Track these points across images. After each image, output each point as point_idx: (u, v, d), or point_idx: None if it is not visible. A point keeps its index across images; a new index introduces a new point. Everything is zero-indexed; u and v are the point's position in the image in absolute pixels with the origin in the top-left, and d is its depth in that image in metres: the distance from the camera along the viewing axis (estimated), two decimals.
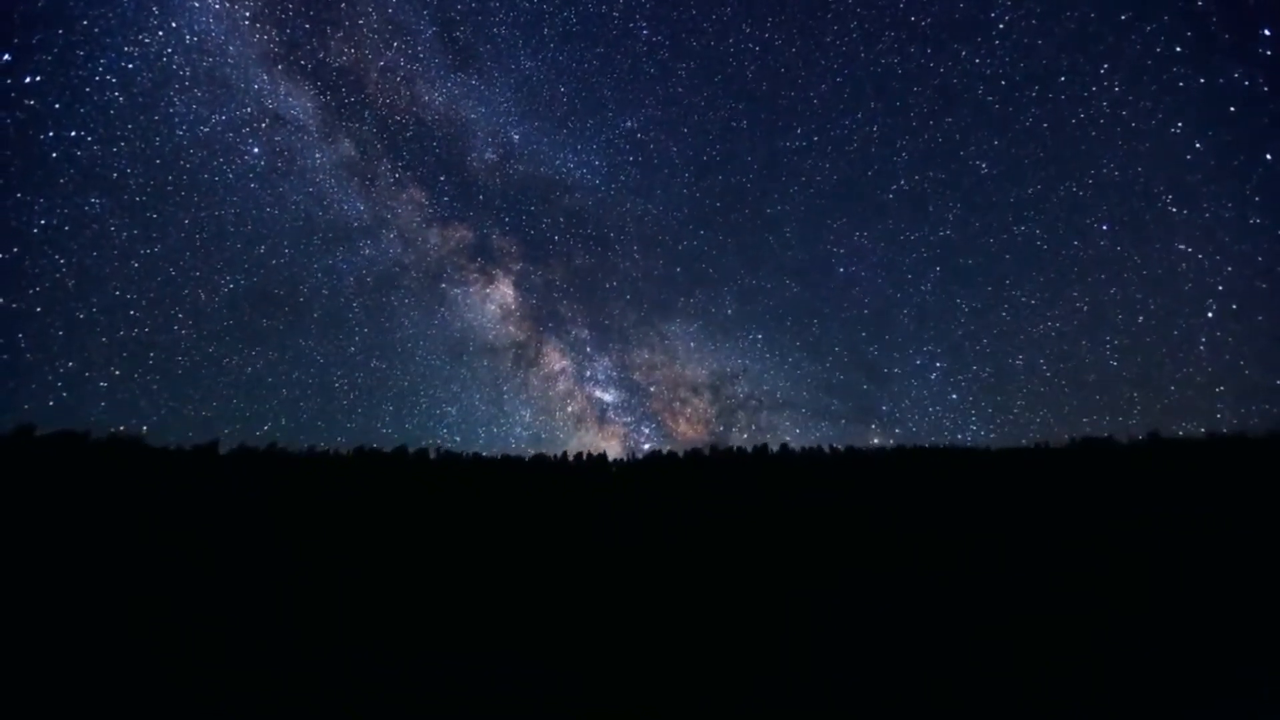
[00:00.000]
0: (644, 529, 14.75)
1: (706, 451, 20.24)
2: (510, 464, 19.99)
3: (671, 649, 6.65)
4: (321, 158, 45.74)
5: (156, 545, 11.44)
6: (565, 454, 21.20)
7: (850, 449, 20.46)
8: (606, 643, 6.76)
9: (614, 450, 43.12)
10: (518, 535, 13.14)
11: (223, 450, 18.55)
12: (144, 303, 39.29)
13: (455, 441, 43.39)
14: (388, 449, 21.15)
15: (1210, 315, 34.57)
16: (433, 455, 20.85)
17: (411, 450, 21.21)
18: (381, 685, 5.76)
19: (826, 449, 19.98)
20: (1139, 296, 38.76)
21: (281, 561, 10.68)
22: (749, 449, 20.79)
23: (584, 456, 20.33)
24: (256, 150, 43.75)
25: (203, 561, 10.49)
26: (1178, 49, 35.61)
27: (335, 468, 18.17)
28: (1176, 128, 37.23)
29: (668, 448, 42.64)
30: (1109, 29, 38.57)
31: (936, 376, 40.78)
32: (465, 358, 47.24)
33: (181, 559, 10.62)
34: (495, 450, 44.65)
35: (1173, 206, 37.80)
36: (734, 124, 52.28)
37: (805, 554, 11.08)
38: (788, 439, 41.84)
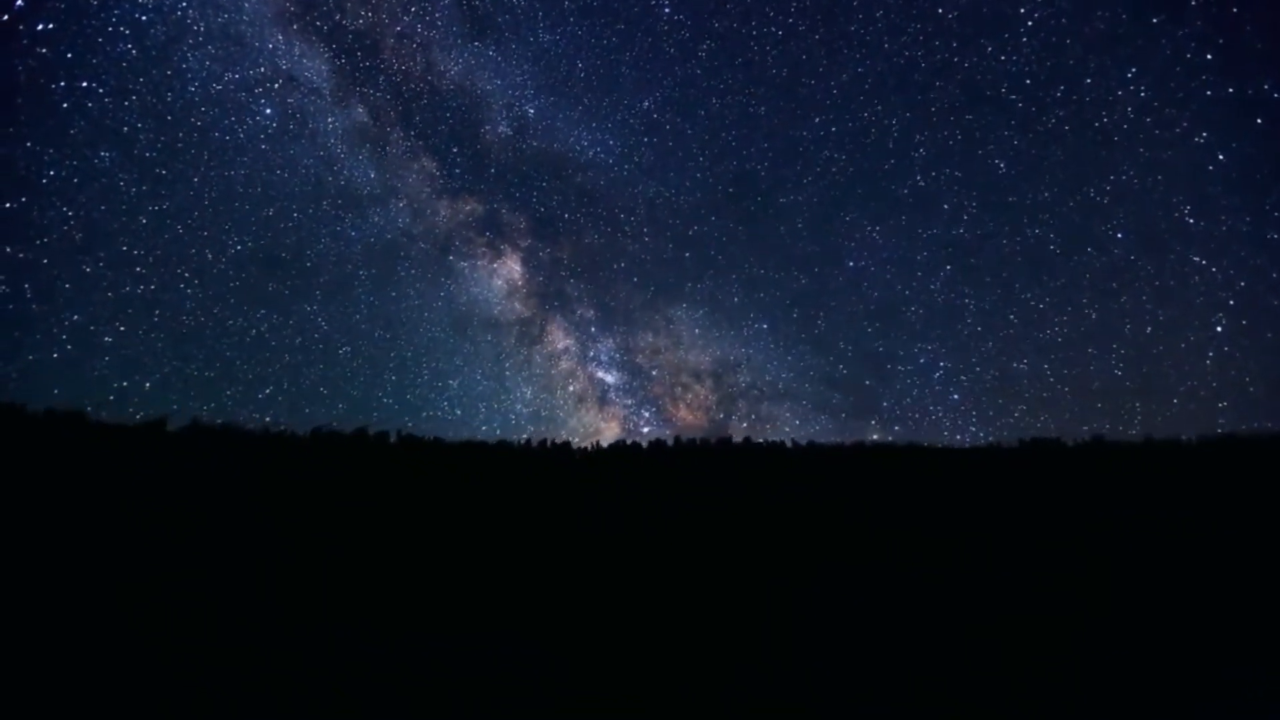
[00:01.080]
0: (604, 518, 14.81)
1: (670, 443, 20.41)
2: (473, 449, 19.84)
3: (628, 637, 6.72)
4: (334, 122, 44.40)
5: (98, 525, 11.06)
6: (528, 439, 21.12)
7: (813, 444, 20.85)
8: (555, 631, 6.80)
9: (613, 431, 43.07)
10: (475, 522, 13.07)
11: (171, 427, 17.98)
12: (150, 260, 38.47)
13: (455, 415, 42.85)
14: (348, 430, 20.81)
15: (1219, 329, 33.44)
16: (393, 439, 20.56)
17: (372, 433, 20.88)
18: (329, 670, 5.69)
19: (788, 444, 20.33)
20: (1149, 307, 37.22)
21: (228, 544, 10.43)
22: (712, 440, 21.03)
23: (547, 444, 20.30)
24: (269, 111, 42.24)
25: (142, 543, 10.19)
26: (1208, 56, 34.10)
27: (291, 448, 17.77)
28: (1201, 137, 35.44)
29: (667, 432, 42.75)
30: (1140, 31, 36.72)
31: (940, 376, 40.46)
32: (469, 332, 46.60)
33: (121, 541, 10.29)
34: (495, 425, 44.31)
35: (1190, 217, 35.95)
36: (751, 110, 50.25)
37: (775, 546, 11.28)
38: (787, 430, 42.10)
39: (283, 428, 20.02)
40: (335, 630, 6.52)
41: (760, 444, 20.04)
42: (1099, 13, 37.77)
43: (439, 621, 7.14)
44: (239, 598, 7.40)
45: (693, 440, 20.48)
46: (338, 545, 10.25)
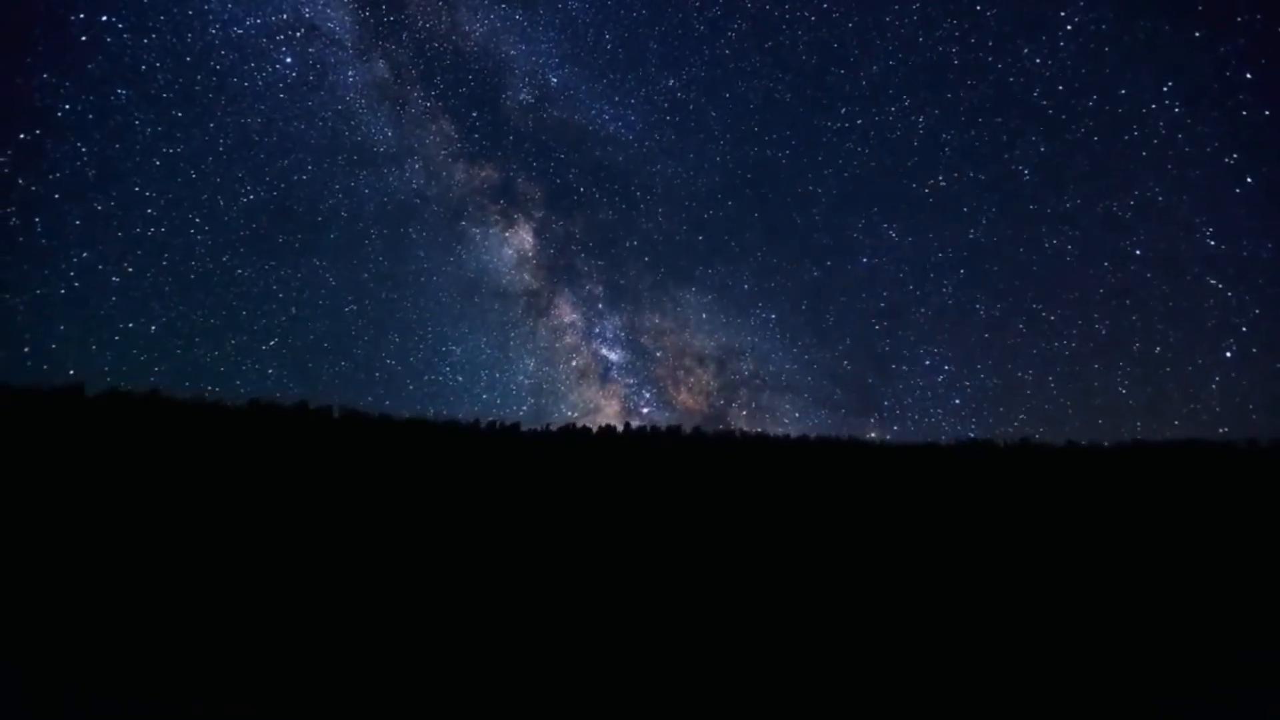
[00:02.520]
0: (548, 503, 14.74)
1: (620, 429, 20.43)
2: (418, 428, 19.42)
3: (561, 622, 6.68)
4: (354, 76, 42.11)
5: (7, 497, 10.35)
6: (478, 420, 20.81)
7: (763, 435, 21.18)
8: (489, 616, 6.72)
9: (613, 409, 42.60)
10: (411, 502, 12.82)
11: (90, 393, 16.91)
12: (162, 202, 36.86)
13: (457, 381, 41.86)
14: (288, 403, 20.04)
15: (1228, 355, 32.48)
16: (336, 414, 19.93)
17: (312, 406, 20.18)
18: (241, 651, 5.46)
19: (738, 433, 20.62)
20: (1160, 327, 36.03)
21: (147, 520, 9.92)
22: (663, 428, 21.16)
23: (496, 425, 20.04)
24: (289, 60, 39.83)
25: (50, 516, 9.59)
26: (1248, 75, 32.79)
27: (222, 420, 16.99)
28: (1231, 158, 34.15)
29: (666, 414, 42.62)
30: (1180, 45, 35.11)
31: (943, 379, 39.45)
32: (476, 299, 45.38)
33: (21, 513, 9.66)
34: (495, 394, 43.39)
35: (1211, 239, 34.79)
36: (777, 95, 47.74)
37: (727, 538, 11.42)
38: (786, 422, 41.84)
39: (217, 397, 19.15)
40: (250, 611, 6.29)
41: (715, 435, 20.28)
42: (1141, 22, 36.38)
43: (360, 602, 6.97)
44: (139, 576, 7.06)
45: (642, 428, 20.57)
46: (261, 525, 9.88)
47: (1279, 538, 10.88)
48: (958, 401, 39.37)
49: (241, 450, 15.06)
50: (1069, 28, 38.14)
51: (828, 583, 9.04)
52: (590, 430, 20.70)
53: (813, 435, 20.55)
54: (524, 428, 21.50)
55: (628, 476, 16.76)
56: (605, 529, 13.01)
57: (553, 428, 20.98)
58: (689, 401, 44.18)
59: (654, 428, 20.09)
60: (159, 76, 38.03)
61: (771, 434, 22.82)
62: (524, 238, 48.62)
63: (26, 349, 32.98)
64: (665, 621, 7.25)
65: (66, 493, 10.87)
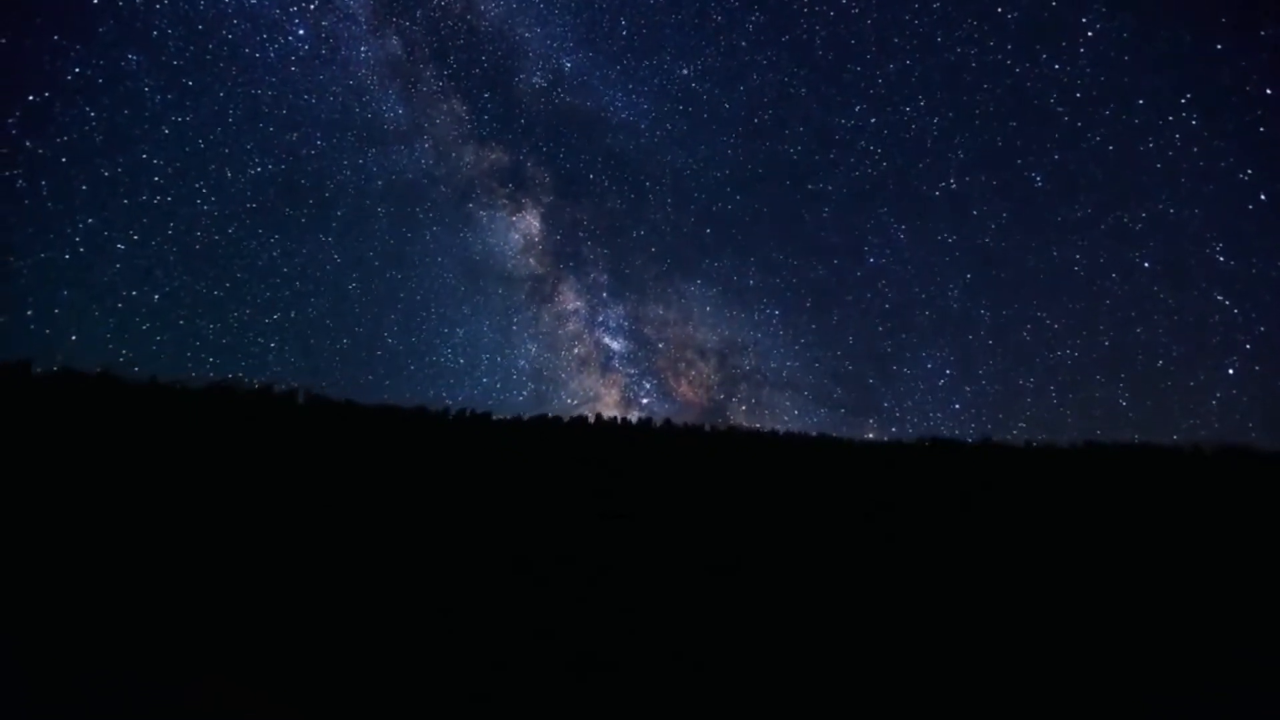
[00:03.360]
0: (515, 492, 14.64)
1: (592, 419, 20.37)
2: (387, 414, 19.04)
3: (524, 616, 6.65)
4: (367, 52, 40.97)
5: None
6: (448, 408, 20.52)
7: (730, 431, 21.32)
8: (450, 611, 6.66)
9: (612, 398, 42.08)
10: (374, 490, 12.61)
11: (37, 370, 16.15)
12: (170, 171, 36.29)
13: (458, 363, 41.06)
14: (251, 386, 19.45)
15: (1231, 372, 32.04)
16: (301, 399, 19.40)
17: (278, 390, 19.60)
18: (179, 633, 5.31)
19: (707, 427, 20.72)
20: (1164, 341, 35.53)
21: (98, 508, 9.57)
22: (633, 420, 21.16)
23: (467, 413, 19.77)
24: (302, 32, 38.54)
25: None
26: (1268, 91, 31.98)
27: (179, 403, 16.43)
28: (1246, 174, 33.33)
29: (666, 406, 42.00)
30: (1201, 57, 33.95)
31: (944, 383, 38.95)
32: (481, 282, 44.96)
33: None
34: (496, 378, 42.52)
35: (1221, 255, 34.14)
36: (792, 90, 46.21)
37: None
38: (786, 419, 41.37)
39: (181, 379, 18.47)
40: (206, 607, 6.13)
41: (683, 428, 20.35)
42: (1162, 31, 35.14)
43: (318, 591, 6.84)
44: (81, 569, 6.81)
45: (614, 419, 20.52)
46: (216, 513, 9.62)
47: (1223, 543, 11.40)
48: (957, 406, 39.00)
49: (198, 436, 14.61)
50: (1090, 34, 36.82)
51: (775, 574, 9.18)
52: (561, 420, 20.62)
53: (795, 432, 20.82)
54: (495, 417, 21.30)
55: (596, 466, 16.76)
56: (573, 520, 12.99)
57: (525, 417, 20.84)
58: (689, 394, 43.66)
59: (624, 420, 20.09)
60: (170, 43, 36.50)
61: (747, 427, 23.04)
62: (531, 222, 47.43)
63: (30, 312, 31.70)
64: (635, 615, 7.28)
65: (7, 479, 10.42)
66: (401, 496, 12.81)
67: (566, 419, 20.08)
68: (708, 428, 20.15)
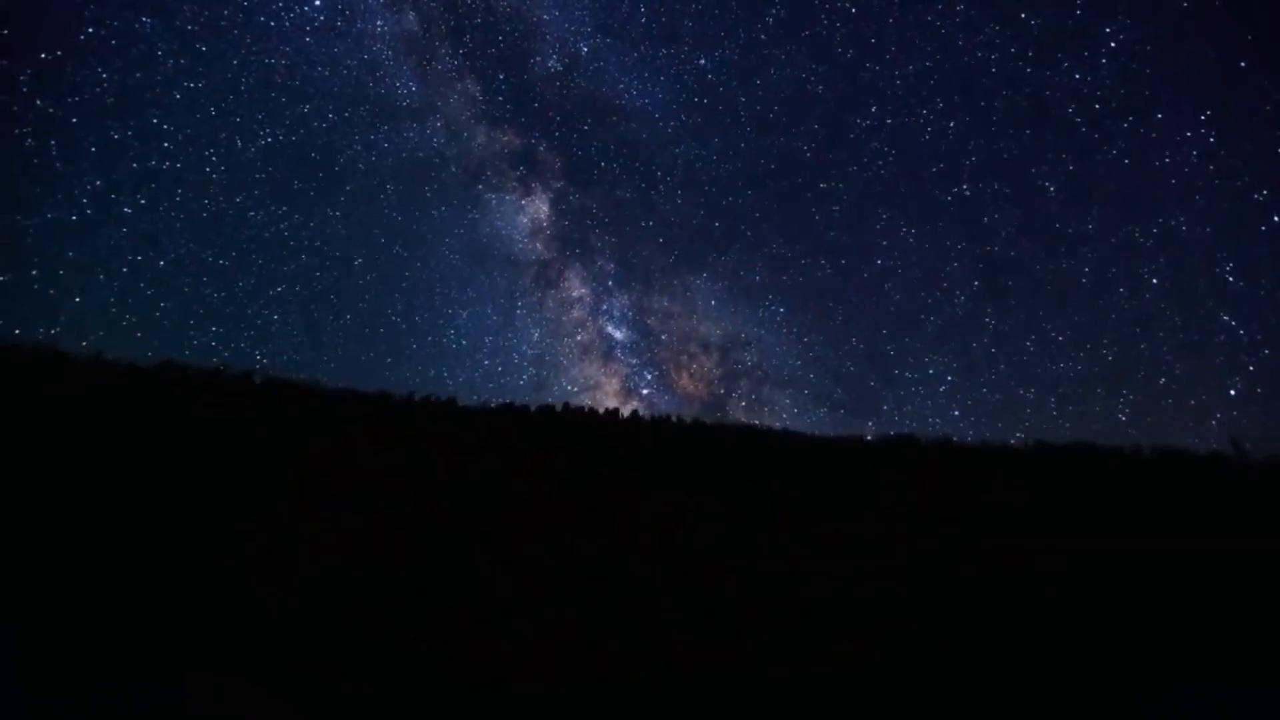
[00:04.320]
0: (477, 481, 14.41)
1: (494, 405, 20.23)
2: (346, 397, 18.54)
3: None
4: (383, 26, 39.29)
5: None
6: (412, 394, 20.09)
7: (662, 420, 21.44)
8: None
9: (612, 388, 41.14)
10: (327, 474, 12.23)
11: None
12: (180, 137, 34.56)
13: (460, 345, 39.64)
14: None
15: (1232, 393, 31.56)
16: (257, 380, 18.72)
17: (229, 374, 18.89)
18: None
19: (643, 415, 20.80)
20: (1168, 359, 34.78)
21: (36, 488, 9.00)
22: (603, 410, 21.11)
23: (431, 399, 19.40)
24: (318, 2, 36.71)
25: None
26: None
27: (127, 381, 15.61)
28: (1260, 194, 32.52)
29: (665, 397, 41.15)
30: (1224, 73, 32.88)
31: (945, 389, 38.31)
32: (487, 264, 43.95)
33: None
34: (497, 362, 40.50)
35: (1230, 275, 33.33)
36: (808, 87, 45.22)
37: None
38: (785, 417, 40.87)
39: (115, 357, 17.55)
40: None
41: (631, 417, 20.37)
42: (1186, 46, 34.06)
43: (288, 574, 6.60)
44: None
45: (580, 408, 20.46)
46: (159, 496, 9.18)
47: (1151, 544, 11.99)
48: (957, 413, 38.68)
49: (147, 415, 13.95)
50: (1112, 45, 35.93)
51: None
52: (529, 408, 20.42)
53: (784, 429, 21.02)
54: (460, 403, 20.97)
55: (559, 455, 16.64)
56: (537, 507, 12.87)
57: (493, 404, 20.56)
58: (689, 387, 43.17)
59: (591, 409, 20.01)
60: (185, 7, 34.80)
61: (725, 422, 23.20)
62: (540, 207, 46.20)
63: (34, 272, 29.80)
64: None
65: None
66: (353, 477, 12.47)
67: (533, 408, 19.92)
68: (643, 416, 20.25)
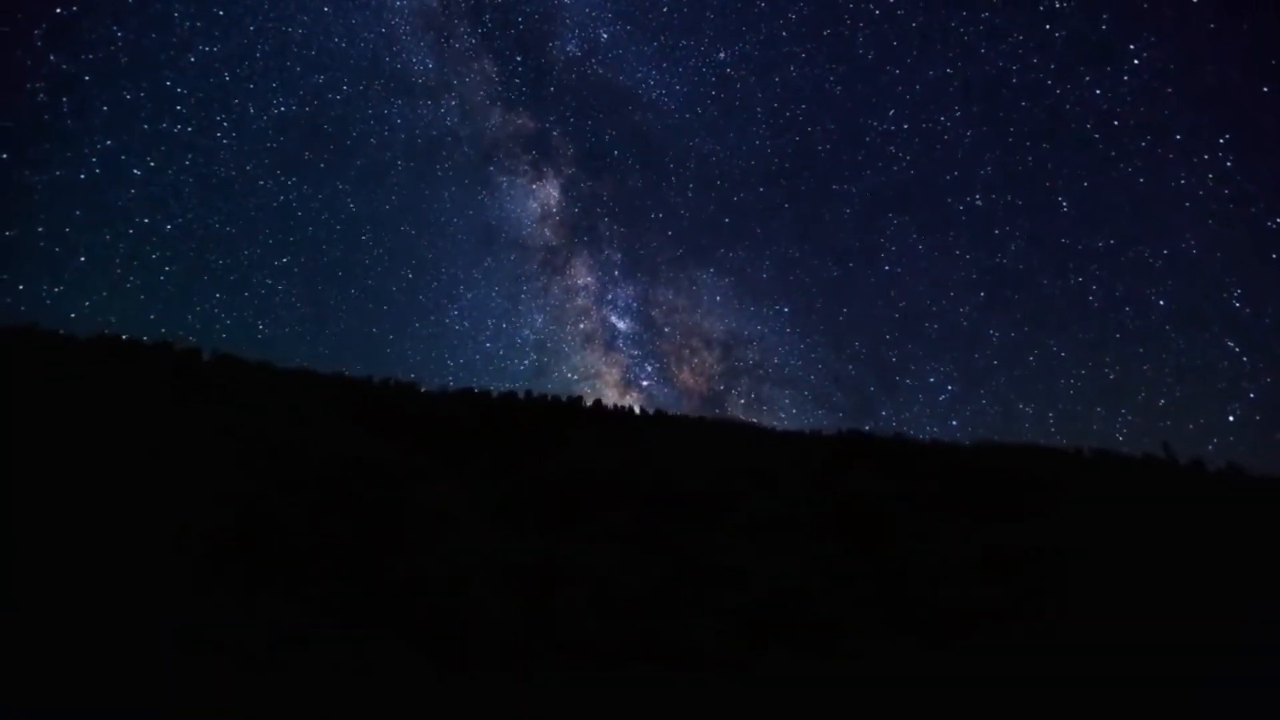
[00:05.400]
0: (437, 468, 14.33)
1: (521, 394, 20.14)
2: (296, 379, 18.18)
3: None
4: (402, 0, 37.06)
5: None
6: (371, 377, 19.76)
7: (548, 401, 21.54)
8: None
9: (613, 378, 40.31)
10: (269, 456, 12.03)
11: None
12: (193, 101, 33.29)
13: (463, 326, 38.57)
14: (123, 336, 18.06)
15: (1230, 419, 31.37)
16: (206, 357, 18.21)
17: (179, 348, 18.32)
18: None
19: (552, 397, 20.87)
20: (1169, 380, 34.44)
21: None
22: (566, 400, 21.06)
23: (391, 383, 19.14)
24: None
25: None
26: None
27: (61, 353, 15.07)
28: (1274, 222, 31.98)
29: (665, 390, 40.27)
30: (1246, 97, 32.09)
31: (944, 399, 37.67)
32: (494, 247, 42.81)
33: None
34: (499, 345, 39.02)
35: (1237, 300, 32.93)
36: (827, 86, 43.78)
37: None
38: (782, 417, 40.36)
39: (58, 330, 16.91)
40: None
41: (563, 400, 20.42)
42: (1209, 67, 33.26)
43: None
44: None
45: (545, 395, 20.38)
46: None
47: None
48: (954, 423, 38.30)
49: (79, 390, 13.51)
50: (1135, 62, 35.17)
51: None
52: (490, 394, 20.28)
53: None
54: (423, 388, 20.68)
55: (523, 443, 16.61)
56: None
57: (451, 387, 20.35)
58: (690, 382, 42.56)
59: (555, 396, 19.97)
60: None
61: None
62: (550, 192, 44.93)
63: (40, 229, 28.53)
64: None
65: None
66: (300, 461, 12.29)
67: (494, 394, 19.77)
68: (549, 397, 20.32)
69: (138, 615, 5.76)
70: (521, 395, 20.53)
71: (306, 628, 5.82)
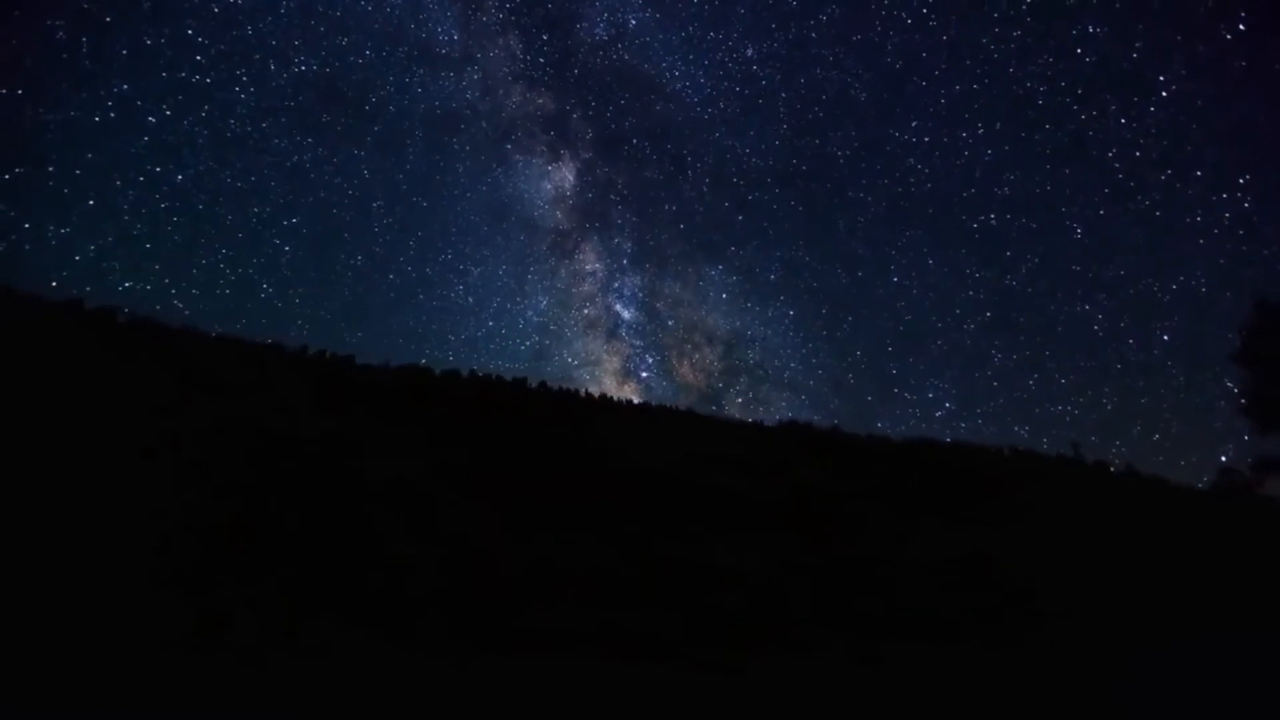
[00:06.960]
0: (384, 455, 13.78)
1: (464, 374, 19.64)
2: (226, 349, 17.12)
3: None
4: None
5: None
6: (322, 351, 18.82)
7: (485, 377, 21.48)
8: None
9: (613, 366, 38.95)
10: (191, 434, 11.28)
11: None
12: (213, 52, 30.90)
13: (467, 302, 36.96)
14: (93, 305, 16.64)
15: (1224, 459, 30.47)
16: (121, 319, 16.86)
17: (89, 306, 16.91)
18: None
19: (501, 378, 20.73)
20: (1166, 416, 34.09)
21: None
22: (538, 385, 20.67)
23: (327, 356, 18.28)
24: None
25: None
26: None
27: None
28: None
29: (664, 382, 39.00)
30: (1271, 140, 30.79)
31: (941, 415, 37.32)
32: (504, 226, 40.60)
33: None
34: (501, 324, 37.03)
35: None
36: (852, 92, 42.52)
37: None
38: (778, 419, 39.69)
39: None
40: None
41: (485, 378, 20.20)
42: (1238, 106, 32.11)
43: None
44: None
45: (489, 376, 19.97)
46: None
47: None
48: (949, 439, 38.25)
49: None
50: (1164, 94, 34.08)
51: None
52: (460, 374, 19.71)
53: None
54: (393, 365, 19.87)
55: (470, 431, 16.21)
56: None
57: (392, 364, 19.63)
58: (689, 376, 41.79)
59: (498, 376, 19.58)
60: None
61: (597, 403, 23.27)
62: (565, 175, 43.16)
63: (51, 168, 26.56)
64: None
65: None
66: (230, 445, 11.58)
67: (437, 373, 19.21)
68: (493, 377, 20.15)
69: (122, 611, 5.32)
70: (467, 374, 20.06)
71: (291, 619, 5.52)
